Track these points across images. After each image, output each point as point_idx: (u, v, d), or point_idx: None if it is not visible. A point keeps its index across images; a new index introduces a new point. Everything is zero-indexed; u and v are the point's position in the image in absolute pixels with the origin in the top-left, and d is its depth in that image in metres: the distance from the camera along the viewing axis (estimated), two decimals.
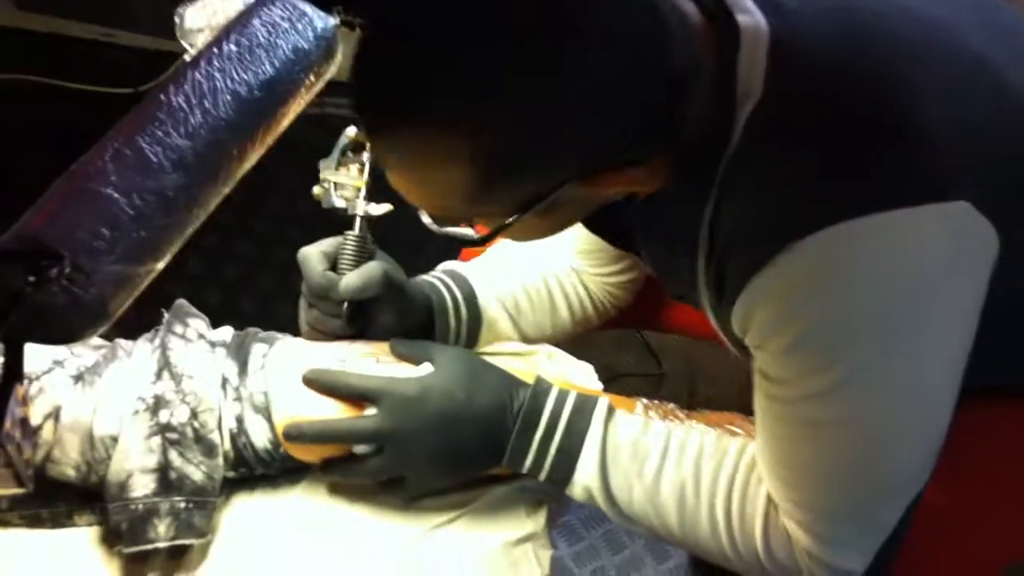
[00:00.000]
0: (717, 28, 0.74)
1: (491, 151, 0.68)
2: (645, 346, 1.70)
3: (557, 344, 1.07)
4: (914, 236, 0.69)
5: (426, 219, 0.82)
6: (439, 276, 1.05)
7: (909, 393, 0.74)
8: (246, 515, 0.90)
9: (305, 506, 0.91)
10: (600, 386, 1.02)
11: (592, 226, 0.97)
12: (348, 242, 0.94)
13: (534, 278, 1.08)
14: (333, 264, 0.94)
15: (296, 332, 0.99)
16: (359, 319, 0.95)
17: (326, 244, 0.94)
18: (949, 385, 0.75)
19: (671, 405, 0.98)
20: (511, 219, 0.75)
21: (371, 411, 0.86)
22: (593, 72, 0.66)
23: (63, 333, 0.66)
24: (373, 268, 0.92)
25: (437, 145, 0.68)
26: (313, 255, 0.93)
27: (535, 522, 0.92)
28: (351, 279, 0.91)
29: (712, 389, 1.67)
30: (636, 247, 0.95)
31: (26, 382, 0.83)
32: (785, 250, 0.69)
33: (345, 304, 0.93)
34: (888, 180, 0.69)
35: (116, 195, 0.69)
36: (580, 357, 1.05)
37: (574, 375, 1.02)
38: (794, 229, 0.69)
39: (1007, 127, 0.75)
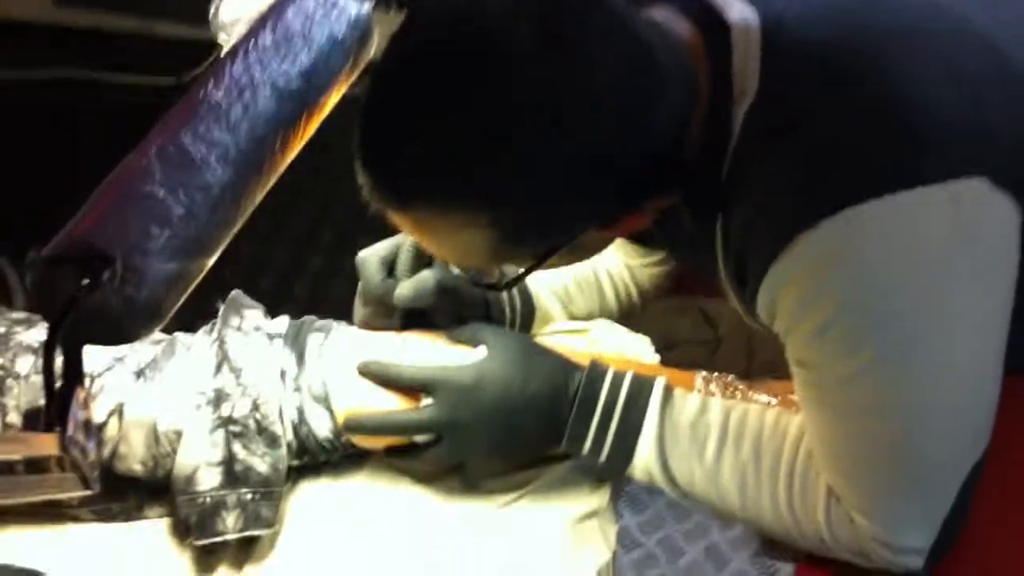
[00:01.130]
0: (709, 34, 0.74)
1: (508, 219, 0.69)
2: (701, 313, 1.69)
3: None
4: (926, 215, 0.68)
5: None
6: None
7: (941, 371, 0.72)
8: (312, 502, 0.91)
9: (369, 490, 0.91)
10: (656, 358, 1.01)
11: None
12: (405, 248, 0.94)
13: (583, 267, 1.09)
14: (390, 268, 0.94)
15: (349, 312, 1.00)
16: (414, 321, 0.95)
17: (384, 248, 0.95)
18: (986, 356, 0.74)
19: (730, 377, 0.98)
20: (532, 265, 0.77)
21: (427, 401, 0.86)
22: (600, 137, 0.67)
23: (119, 334, 0.66)
24: (426, 278, 0.92)
25: (453, 218, 0.69)
26: (372, 262, 0.94)
27: (599, 498, 0.91)
28: (404, 290, 0.92)
29: (769, 352, 1.65)
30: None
31: (87, 380, 0.85)
32: (799, 238, 0.69)
33: (398, 310, 0.94)
34: (893, 163, 0.68)
35: (163, 194, 0.68)
36: (636, 327, 1.05)
37: (630, 349, 1.01)
38: (805, 217, 0.69)
39: (1016, 105, 0.73)
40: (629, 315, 1.13)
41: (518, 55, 0.65)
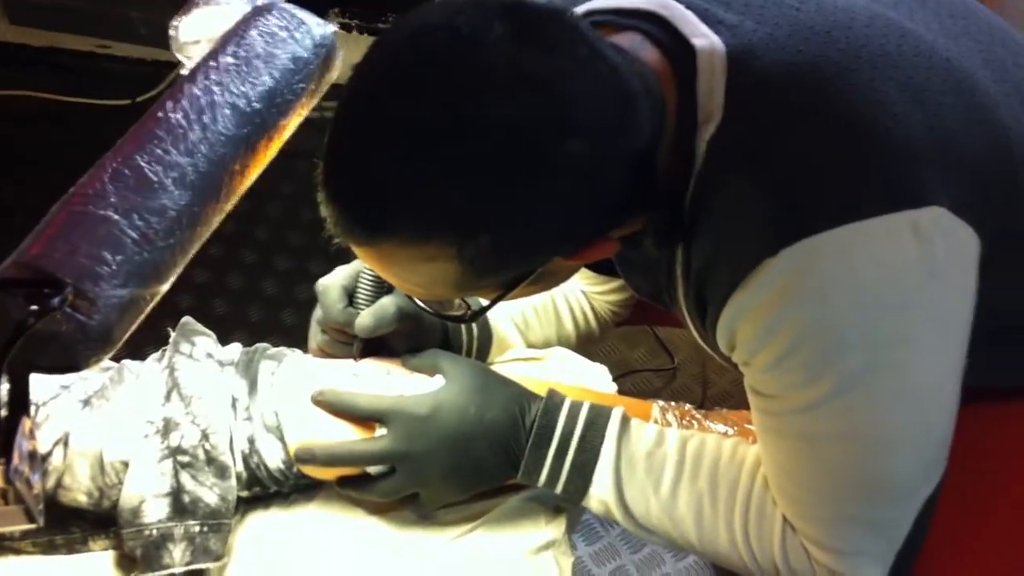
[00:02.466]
0: (676, 60, 0.74)
1: (475, 250, 0.68)
2: (657, 340, 1.70)
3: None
4: (886, 244, 0.69)
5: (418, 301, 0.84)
6: None
7: (900, 398, 0.73)
8: (262, 533, 0.89)
9: (321, 521, 0.90)
10: (614, 387, 1.01)
11: None
12: (364, 275, 0.93)
13: (542, 296, 1.08)
14: (351, 296, 0.93)
15: (302, 340, 0.98)
16: (371, 350, 0.94)
17: (344, 276, 0.93)
18: (944, 387, 0.75)
19: (687, 406, 0.98)
20: (497, 296, 0.77)
21: (381, 432, 0.85)
22: (569, 165, 0.67)
23: (69, 362, 0.64)
24: (386, 306, 0.91)
25: (420, 250, 0.69)
26: (332, 289, 0.93)
27: (555, 529, 0.91)
28: (365, 319, 0.90)
29: (725, 380, 1.66)
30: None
31: (33, 409, 0.82)
32: (760, 267, 0.70)
33: (357, 338, 0.93)
34: (855, 190, 0.69)
35: (117, 217, 0.67)
36: (592, 353, 1.06)
37: (587, 377, 1.01)
38: (766, 246, 0.69)
39: (980, 131, 0.74)
40: (587, 343, 1.13)
41: (487, 86, 0.64)
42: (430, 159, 0.65)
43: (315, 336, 0.96)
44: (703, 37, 0.73)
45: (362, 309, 0.91)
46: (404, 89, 0.65)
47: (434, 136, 0.64)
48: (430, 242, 0.68)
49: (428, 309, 0.86)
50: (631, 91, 0.70)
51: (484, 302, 0.81)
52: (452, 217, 0.67)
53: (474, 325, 1.01)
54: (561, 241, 0.73)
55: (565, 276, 0.83)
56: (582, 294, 1.12)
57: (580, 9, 0.79)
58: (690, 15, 0.75)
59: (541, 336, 1.08)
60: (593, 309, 1.13)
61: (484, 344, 1.02)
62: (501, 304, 1.02)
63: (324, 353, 0.96)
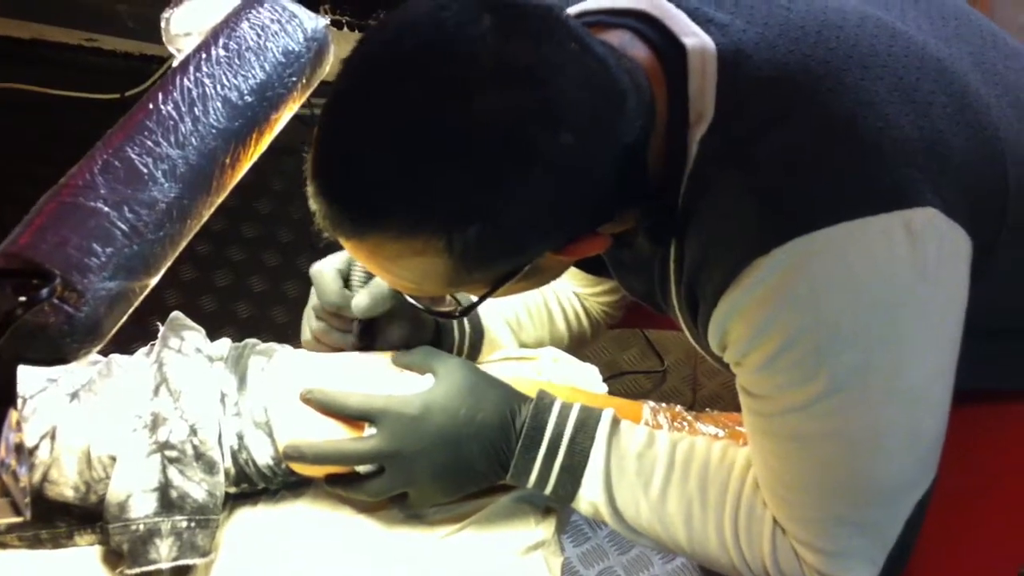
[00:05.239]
0: (666, 58, 0.74)
1: (464, 244, 0.68)
2: (647, 343, 1.70)
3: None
4: (879, 243, 0.69)
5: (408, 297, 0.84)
6: None
7: (891, 399, 0.73)
8: (249, 530, 0.88)
9: (309, 519, 0.89)
10: (604, 388, 1.01)
11: None
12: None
13: (535, 296, 1.08)
14: (346, 280, 0.93)
15: (291, 336, 0.98)
16: (369, 334, 0.94)
17: (339, 260, 0.93)
18: (936, 388, 0.75)
19: (678, 407, 0.98)
20: (487, 292, 0.76)
21: (371, 431, 0.84)
22: (558, 157, 0.66)
23: (56, 354, 0.63)
24: (380, 284, 0.90)
25: (409, 243, 0.68)
26: (328, 273, 0.92)
27: (545, 529, 0.90)
28: (361, 298, 0.90)
29: (714, 383, 1.67)
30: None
31: (20, 402, 0.82)
32: (751, 267, 0.70)
33: (356, 321, 0.92)
34: (847, 190, 0.69)
35: (107, 209, 0.66)
36: (583, 355, 1.05)
37: (578, 378, 1.00)
38: (758, 244, 0.69)
39: (971, 133, 0.74)
40: (580, 345, 1.13)
41: (472, 79, 0.64)
42: (416, 152, 0.65)
43: (311, 324, 0.95)
44: (693, 36, 0.73)
45: (358, 291, 0.91)
46: (390, 82, 0.66)
47: (419, 129, 0.64)
48: (418, 235, 0.68)
49: (419, 305, 0.85)
50: (620, 86, 0.70)
51: (475, 299, 0.81)
52: (439, 210, 0.67)
53: (466, 323, 1.01)
54: (549, 235, 0.72)
55: (556, 273, 0.82)
56: (575, 296, 1.12)
57: (573, 10, 0.79)
58: (680, 14, 0.75)
59: (534, 336, 1.08)
60: (586, 310, 1.12)
61: (476, 342, 1.02)
62: (494, 304, 1.03)
63: (319, 343, 0.95)
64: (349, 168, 0.67)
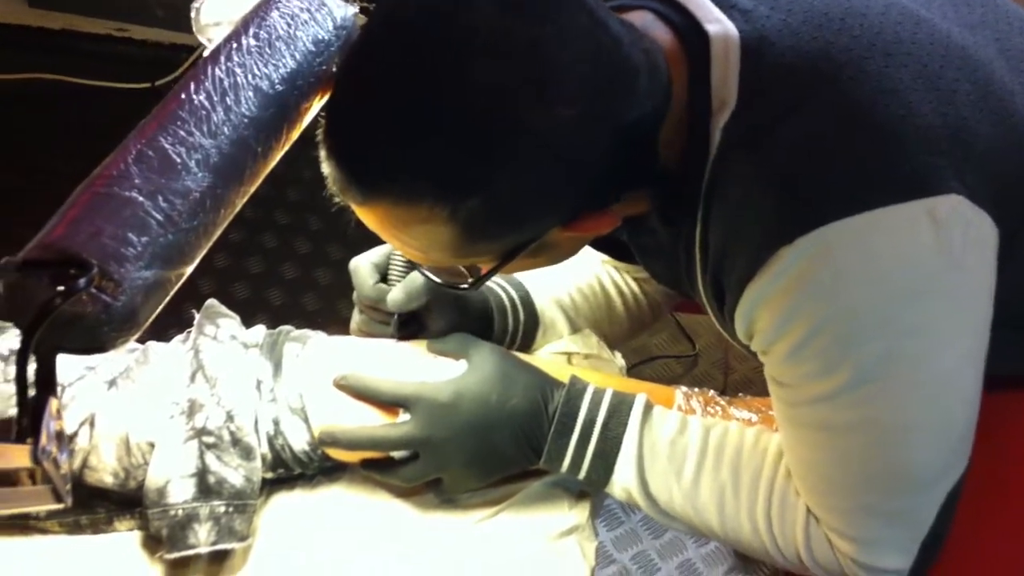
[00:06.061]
0: (688, 43, 0.73)
1: (467, 212, 0.68)
2: (678, 327, 1.69)
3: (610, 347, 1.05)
4: (904, 232, 0.68)
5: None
6: (494, 279, 1.03)
7: (919, 389, 0.72)
8: (286, 515, 0.89)
9: (345, 503, 0.90)
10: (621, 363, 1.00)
11: (596, 245, 0.96)
12: (396, 253, 0.93)
13: (587, 277, 1.07)
14: (384, 274, 0.94)
15: (323, 323, 0.99)
16: (411, 326, 0.94)
17: (376, 255, 0.94)
18: (965, 376, 0.74)
19: (711, 392, 0.97)
20: (497, 264, 0.76)
21: (404, 417, 0.85)
22: (561, 127, 0.66)
23: (94, 343, 0.64)
24: (415, 278, 0.91)
25: (414, 210, 0.69)
26: (364, 267, 0.93)
27: (579, 514, 0.91)
28: (396, 293, 0.91)
29: (746, 367, 1.66)
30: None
31: (59, 390, 0.83)
32: (775, 256, 0.69)
33: (395, 314, 0.93)
34: (871, 178, 0.68)
35: (141, 199, 0.67)
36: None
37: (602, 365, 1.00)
38: (782, 234, 0.69)
39: (996, 120, 0.73)
40: (640, 328, 1.11)
41: (469, 47, 0.64)
42: (411, 122, 0.65)
43: (355, 317, 0.97)
44: (716, 23, 0.73)
45: (395, 285, 0.92)
46: (394, 48, 0.66)
47: (415, 99, 0.65)
48: (421, 204, 0.68)
49: (435, 278, 0.85)
50: (632, 64, 0.69)
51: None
52: (436, 179, 0.67)
53: (520, 310, 1.00)
54: (551, 210, 0.72)
55: (568, 251, 0.82)
56: (631, 278, 1.10)
57: None
58: None
59: (591, 319, 1.06)
60: (644, 291, 1.10)
61: (530, 329, 1.01)
62: (546, 287, 1.02)
63: (364, 334, 0.96)
64: (354, 133, 0.68)
